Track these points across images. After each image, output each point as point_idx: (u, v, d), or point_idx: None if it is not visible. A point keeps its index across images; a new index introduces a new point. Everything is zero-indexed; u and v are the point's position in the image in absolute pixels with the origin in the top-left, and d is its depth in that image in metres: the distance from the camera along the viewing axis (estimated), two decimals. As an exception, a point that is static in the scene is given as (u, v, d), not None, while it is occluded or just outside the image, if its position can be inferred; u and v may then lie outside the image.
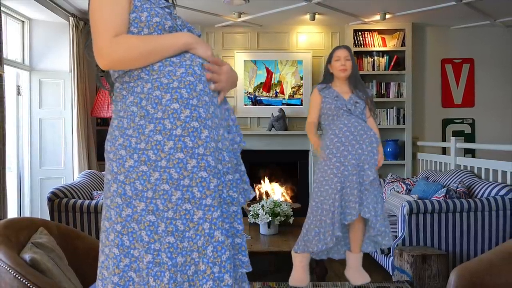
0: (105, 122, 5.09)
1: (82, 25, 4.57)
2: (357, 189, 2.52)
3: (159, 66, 1.24)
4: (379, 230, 2.58)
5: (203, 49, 1.31)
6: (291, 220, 3.62)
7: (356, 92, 2.71)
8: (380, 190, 2.67)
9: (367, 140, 2.60)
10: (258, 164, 5.56)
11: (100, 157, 4.74)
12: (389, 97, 5.37)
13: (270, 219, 3.47)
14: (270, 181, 5.61)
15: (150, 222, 1.19)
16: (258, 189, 5.58)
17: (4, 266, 1.73)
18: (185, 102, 1.21)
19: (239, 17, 4.89)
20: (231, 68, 1.38)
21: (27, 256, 1.81)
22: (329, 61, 2.82)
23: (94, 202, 3.21)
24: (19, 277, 1.71)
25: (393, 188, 4.31)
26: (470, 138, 5.54)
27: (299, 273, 2.71)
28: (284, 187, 5.61)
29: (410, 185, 4.26)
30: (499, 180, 3.57)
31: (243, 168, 1.35)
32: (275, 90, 5.38)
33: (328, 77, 2.82)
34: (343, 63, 2.71)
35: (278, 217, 3.51)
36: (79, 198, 3.37)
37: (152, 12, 1.27)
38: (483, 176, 3.85)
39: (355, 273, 2.69)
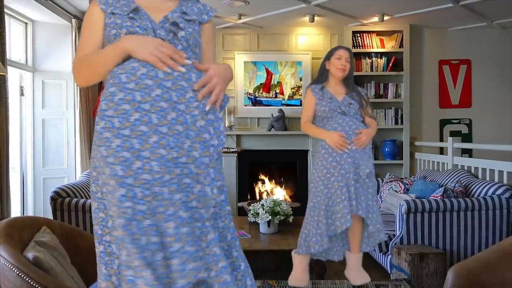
0: (107, 122, 5.11)
1: (83, 26, 4.60)
2: (353, 187, 2.49)
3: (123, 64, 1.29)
4: (375, 226, 2.56)
5: (143, 54, 1.23)
6: (290, 219, 3.64)
7: (350, 94, 2.67)
8: (375, 185, 2.66)
9: None
10: (258, 164, 5.59)
11: (102, 157, 4.76)
12: (387, 97, 5.39)
13: (270, 218, 3.50)
14: (270, 180, 5.65)
15: (102, 219, 1.32)
16: (258, 189, 5.62)
17: (7, 264, 1.74)
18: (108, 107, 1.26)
19: (240, 18, 4.92)
20: (217, 66, 1.33)
21: (30, 254, 1.82)
22: (327, 58, 2.75)
23: (96, 201, 3.24)
24: (22, 275, 1.72)
25: (391, 187, 4.34)
26: (467, 138, 5.57)
27: (299, 274, 2.69)
28: (283, 186, 5.64)
29: (408, 184, 4.29)
30: (496, 180, 3.59)
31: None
32: (275, 90, 5.41)
33: (323, 75, 2.76)
34: (344, 63, 2.66)
35: (278, 216, 3.54)
36: (82, 198, 3.40)
37: (111, 26, 1.33)
38: (480, 176, 3.87)
39: (355, 273, 2.67)
